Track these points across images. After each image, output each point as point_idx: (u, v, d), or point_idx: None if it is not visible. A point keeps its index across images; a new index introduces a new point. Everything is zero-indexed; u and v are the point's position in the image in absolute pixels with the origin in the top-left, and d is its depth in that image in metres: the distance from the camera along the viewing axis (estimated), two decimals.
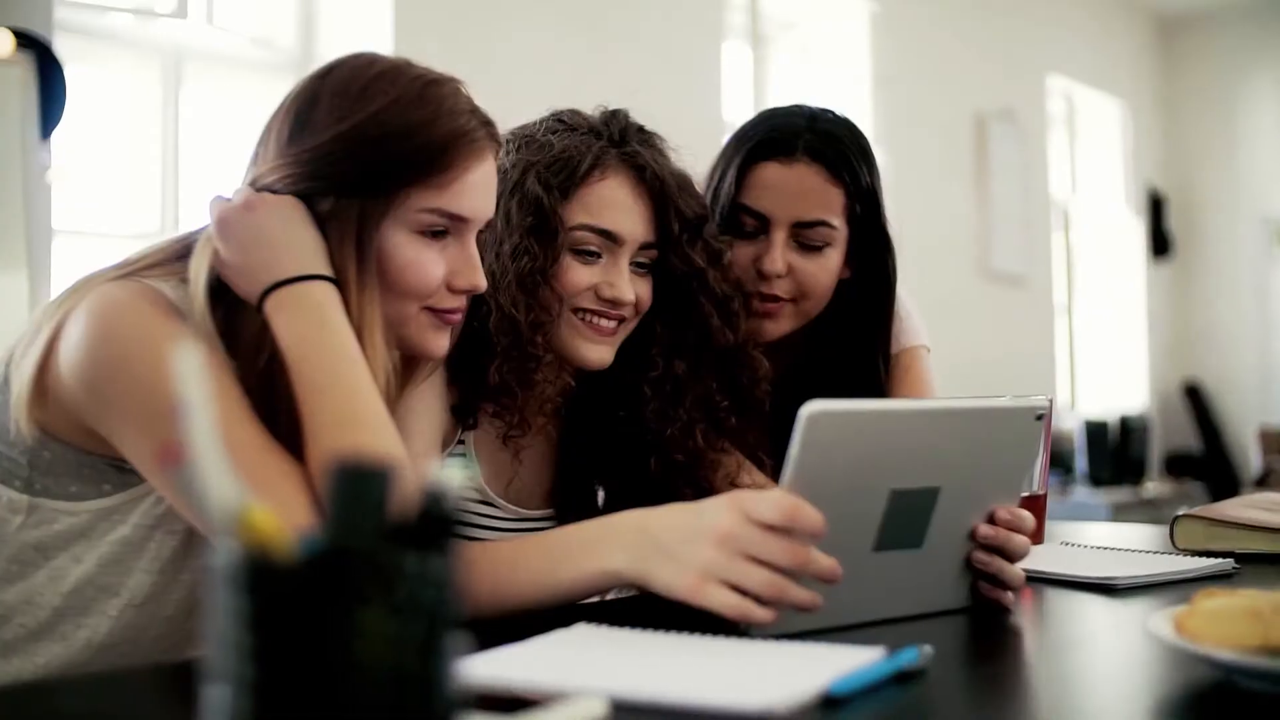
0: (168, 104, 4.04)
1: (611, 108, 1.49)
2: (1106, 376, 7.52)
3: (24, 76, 3.26)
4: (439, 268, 1.23)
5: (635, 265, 1.43)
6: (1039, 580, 1.32)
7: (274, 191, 1.19)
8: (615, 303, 1.40)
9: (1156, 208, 7.68)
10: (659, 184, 1.41)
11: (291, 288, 1.15)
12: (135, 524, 1.18)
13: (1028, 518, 1.16)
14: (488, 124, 1.25)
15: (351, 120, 1.17)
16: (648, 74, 4.54)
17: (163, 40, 4.04)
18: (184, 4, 4.06)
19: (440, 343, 1.27)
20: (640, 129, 1.47)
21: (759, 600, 1.00)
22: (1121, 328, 7.62)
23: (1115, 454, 5.91)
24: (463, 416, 1.40)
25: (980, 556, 1.15)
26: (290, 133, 1.19)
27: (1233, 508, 1.55)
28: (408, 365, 1.33)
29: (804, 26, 5.87)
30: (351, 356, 1.14)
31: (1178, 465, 7.03)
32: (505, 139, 1.45)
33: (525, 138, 1.44)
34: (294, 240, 1.16)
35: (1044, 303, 6.78)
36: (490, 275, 1.36)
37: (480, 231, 1.29)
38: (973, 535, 1.15)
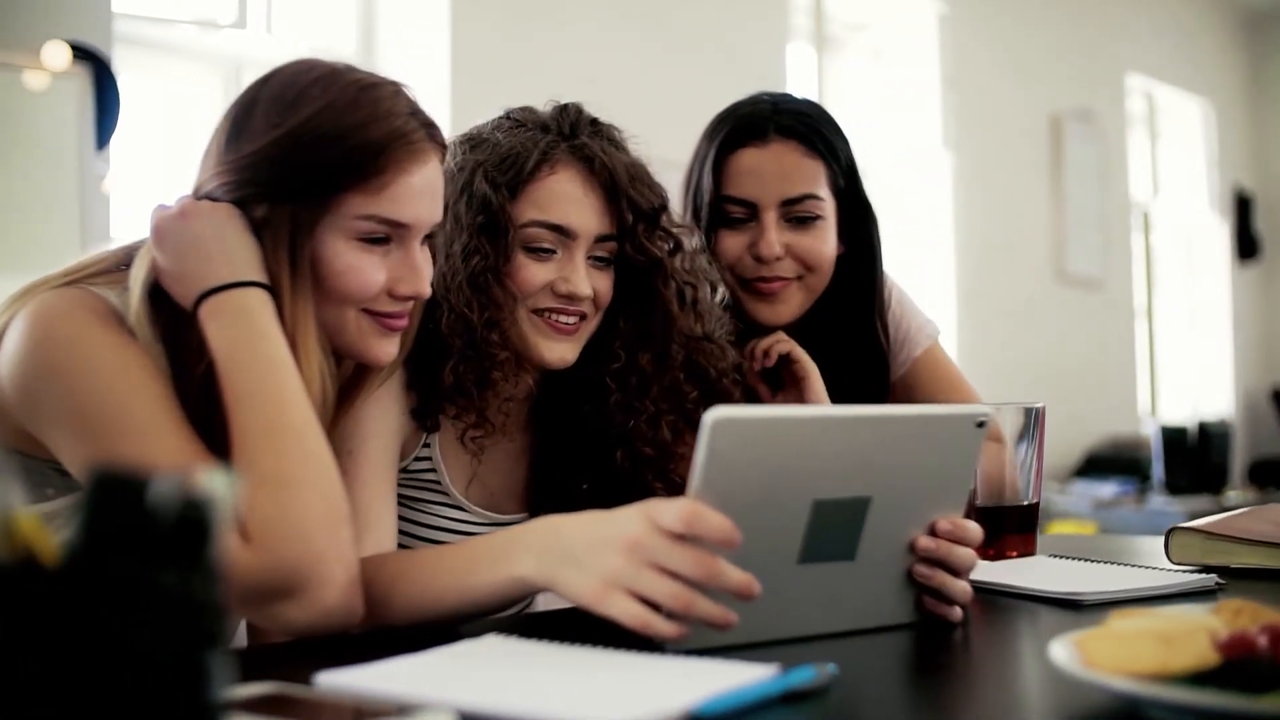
0: None
1: (563, 102, 1.47)
2: (1189, 381, 7.30)
3: (80, 88, 3.34)
4: (379, 274, 1.22)
5: (594, 259, 1.41)
6: (1004, 595, 1.27)
7: (213, 199, 1.19)
8: (572, 298, 1.38)
9: (1243, 208, 7.44)
10: (609, 175, 1.39)
11: (224, 295, 1.15)
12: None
13: (973, 529, 1.11)
14: (430, 126, 1.24)
15: (285, 126, 1.17)
16: (710, 76, 4.50)
17: (223, 51, 4.10)
18: (243, 14, 4.13)
19: (385, 349, 1.26)
20: (593, 121, 1.45)
21: (670, 613, 0.96)
22: (1205, 332, 7.39)
23: (1195, 461, 5.72)
24: (422, 419, 1.39)
25: (921, 570, 1.10)
26: (227, 140, 1.20)
27: (1233, 520, 1.47)
28: (360, 373, 1.32)
29: (871, 29, 5.79)
30: (280, 363, 1.13)
31: (1263, 473, 6.78)
32: (457, 140, 1.44)
33: (474, 137, 1.43)
34: (228, 247, 1.16)
35: (1123, 306, 6.60)
36: (441, 276, 1.35)
37: (429, 236, 1.27)
38: (913, 547, 1.10)
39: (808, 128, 1.66)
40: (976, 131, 5.75)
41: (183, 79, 4.05)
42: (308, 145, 1.16)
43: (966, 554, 1.10)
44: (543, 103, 1.49)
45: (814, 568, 1.04)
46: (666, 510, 0.96)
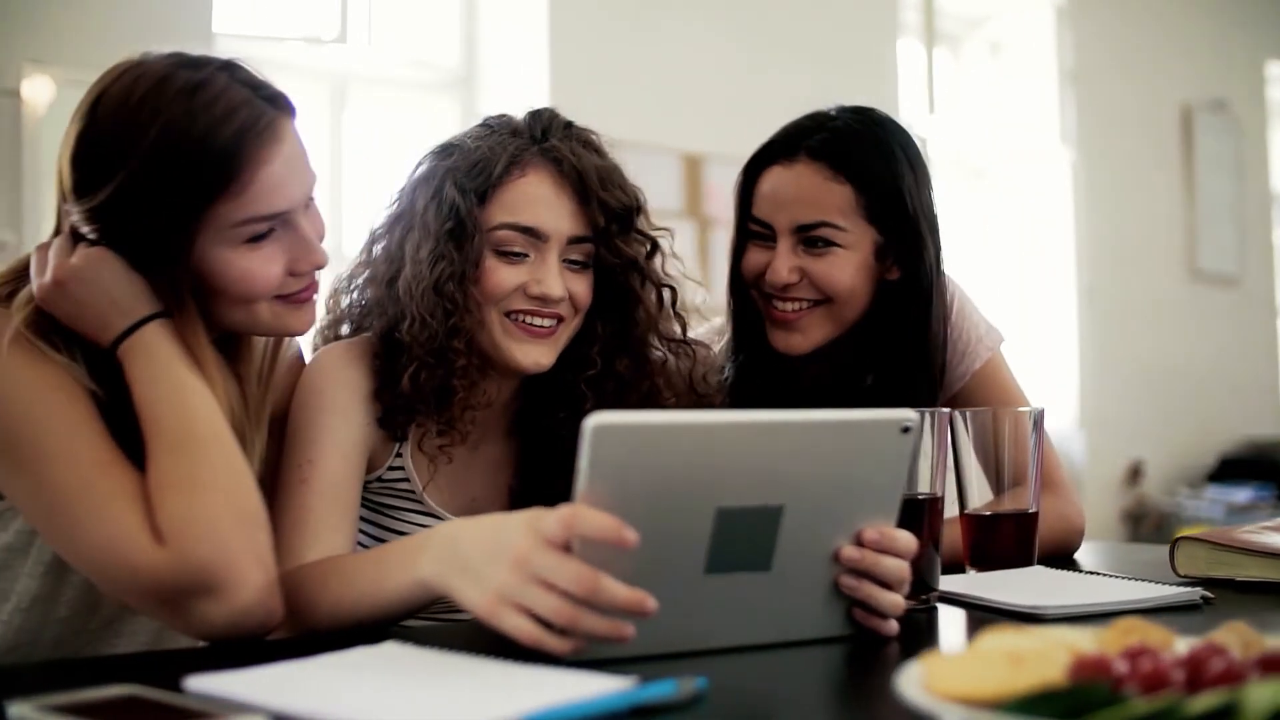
0: (333, 128, 4.20)
1: (538, 107, 1.46)
2: None
3: None
4: (276, 265, 1.22)
5: (570, 262, 1.41)
6: (969, 607, 1.22)
7: (88, 239, 1.19)
8: (544, 299, 1.37)
9: None
10: (578, 176, 1.38)
11: (130, 339, 1.17)
12: (17, 530, 1.22)
13: (903, 539, 1.06)
14: (273, 98, 1.21)
15: (128, 166, 1.15)
16: (817, 76, 4.42)
17: (326, 66, 4.20)
18: (344, 29, 4.22)
19: (305, 319, 1.28)
20: (568, 124, 1.45)
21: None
22: None
23: None
24: (390, 429, 1.39)
25: (847, 581, 1.06)
26: (77, 181, 1.18)
27: (1243, 531, 1.38)
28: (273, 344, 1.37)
29: (989, 23, 5.65)
30: (182, 384, 1.15)
31: None
32: (431, 149, 1.44)
33: (448, 145, 1.44)
34: (114, 295, 1.17)
35: (1262, 303, 6.29)
36: (407, 282, 1.35)
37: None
38: (839, 558, 1.05)
39: (841, 150, 1.56)
40: (1100, 126, 5.57)
41: (288, 93, 4.16)
42: (158, 176, 1.14)
43: (895, 565, 1.05)
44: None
45: (724, 578, 1.01)
46: (548, 520, 0.94)
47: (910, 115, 5.06)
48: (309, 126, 4.15)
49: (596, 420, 0.92)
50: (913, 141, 1.63)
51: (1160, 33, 5.85)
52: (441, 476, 1.44)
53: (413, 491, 1.43)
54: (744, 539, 1.00)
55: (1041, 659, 0.74)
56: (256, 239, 1.20)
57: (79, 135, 1.18)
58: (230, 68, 1.20)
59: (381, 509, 1.44)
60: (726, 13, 4.48)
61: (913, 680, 0.75)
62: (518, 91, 4.27)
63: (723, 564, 1.00)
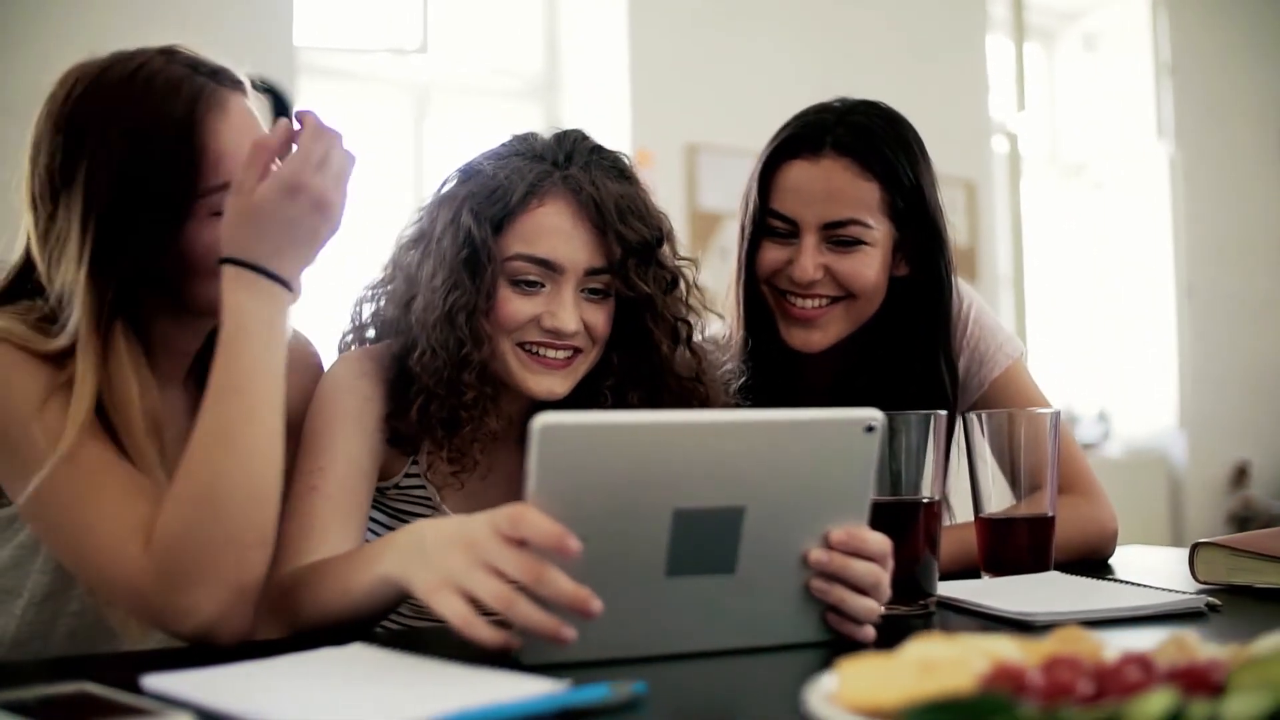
0: (416, 137, 4.27)
1: (565, 129, 1.44)
2: None
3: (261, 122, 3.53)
4: None
5: (589, 292, 1.38)
6: (966, 613, 1.19)
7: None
8: (558, 333, 1.35)
9: None
10: (595, 207, 1.35)
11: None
12: (30, 529, 1.25)
13: (873, 540, 1.04)
14: (215, 73, 1.23)
15: (96, 185, 1.17)
16: (903, 74, 4.36)
17: (408, 75, 4.27)
18: (425, 39, 4.28)
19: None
20: (594, 149, 1.41)
21: (501, 621, 0.94)
22: None
23: None
24: (400, 446, 1.40)
25: (818, 585, 1.04)
26: (48, 187, 1.20)
27: (1264, 536, 1.32)
28: None
29: (1078, 18, 5.54)
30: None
31: None
32: (456, 169, 1.43)
33: (470, 167, 1.41)
34: None
35: None
36: (420, 309, 1.35)
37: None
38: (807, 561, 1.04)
39: (866, 146, 1.55)
40: (1200, 119, 5.41)
41: (367, 104, 4.23)
42: (129, 193, 1.17)
43: (865, 568, 1.03)
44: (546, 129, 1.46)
45: (687, 581, 1.00)
46: (501, 513, 0.95)
47: (1000, 112, 4.97)
48: (393, 136, 4.22)
49: (543, 420, 0.92)
50: (920, 138, 1.62)
51: (1261, 21, 5.66)
52: (452, 493, 1.44)
53: (429, 499, 1.44)
54: (705, 541, 0.99)
55: (953, 667, 0.72)
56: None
57: (41, 157, 1.20)
58: (170, 51, 1.23)
59: (400, 515, 1.45)
60: (809, 13, 4.45)
61: (820, 688, 0.74)
62: (600, 97, 4.29)
63: (684, 567, 0.99)
